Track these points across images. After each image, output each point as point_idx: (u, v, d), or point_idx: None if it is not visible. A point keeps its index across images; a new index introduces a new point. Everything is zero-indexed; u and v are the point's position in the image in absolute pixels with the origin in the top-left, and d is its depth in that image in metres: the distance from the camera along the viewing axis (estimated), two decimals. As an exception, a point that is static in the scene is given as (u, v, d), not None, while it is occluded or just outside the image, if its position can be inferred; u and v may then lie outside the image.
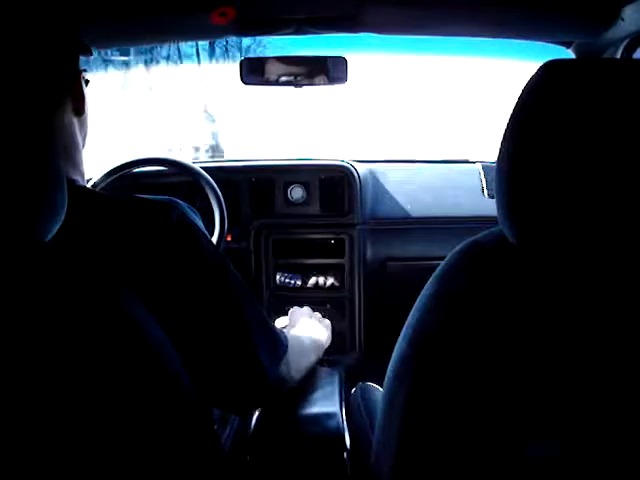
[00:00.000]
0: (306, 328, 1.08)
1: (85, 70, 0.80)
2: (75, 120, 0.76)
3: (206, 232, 0.76)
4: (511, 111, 0.57)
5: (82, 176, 0.78)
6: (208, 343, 0.72)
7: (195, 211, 0.78)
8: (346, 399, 1.03)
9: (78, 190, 0.73)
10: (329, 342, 1.14)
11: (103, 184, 1.35)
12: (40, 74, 0.69)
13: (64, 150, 0.73)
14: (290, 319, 1.15)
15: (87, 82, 0.82)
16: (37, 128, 0.55)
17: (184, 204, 0.75)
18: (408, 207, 1.55)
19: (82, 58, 0.78)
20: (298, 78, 1.19)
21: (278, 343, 0.81)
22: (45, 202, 0.54)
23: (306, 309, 1.21)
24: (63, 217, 0.58)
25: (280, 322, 1.18)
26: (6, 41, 0.66)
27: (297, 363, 0.87)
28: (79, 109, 0.75)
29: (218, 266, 0.74)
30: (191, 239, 0.71)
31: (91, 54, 0.79)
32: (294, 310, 1.19)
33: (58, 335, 0.54)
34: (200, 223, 0.76)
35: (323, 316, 1.22)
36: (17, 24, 0.67)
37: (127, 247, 0.68)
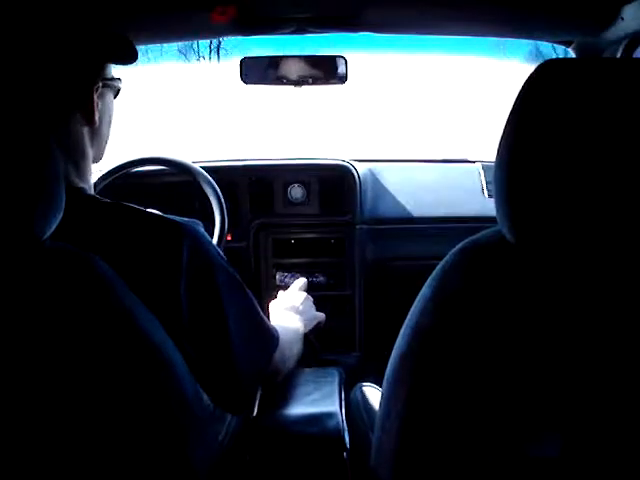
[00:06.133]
0: (287, 318, 1.10)
1: (119, 79, 0.80)
2: (85, 129, 0.76)
3: (219, 251, 0.78)
4: (510, 110, 0.57)
5: (88, 183, 0.78)
6: (193, 349, 0.72)
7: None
8: (346, 399, 1.03)
9: (87, 199, 0.74)
10: (315, 320, 1.17)
11: (103, 184, 1.35)
12: (48, 81, 0.70)
13: (68, 156, 0.73)
14: (271, 313, 1.17)
15: (118, 91, 0.82)
16: (37, 129, 0.55)
17: (201, 228, 0.76)
18: (408, 207, 1.55)
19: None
20: (298, 77, 1.18)
21: (269, 340, 0.86)
22: (42, 199, 0.55)
23: (285, 295, 1.22)
24: (61, 215, 0.58)
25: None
26: (17, 49, 0.67)
27: (290, 350, 0.95)
28: (89, 119, 0.74)
29: (214, 275, 0.75)
30: (197, 263, 0.72)
31: (133, 61, 0.78)
32: (273, 304, 1.19)
33: (55, 331, 0.54)
34: (215, 249, 0.77)
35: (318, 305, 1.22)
36: (25, 38, 0.67)
37: (129, 259, 0.68)
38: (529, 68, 0.56)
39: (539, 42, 1.23)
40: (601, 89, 0.52)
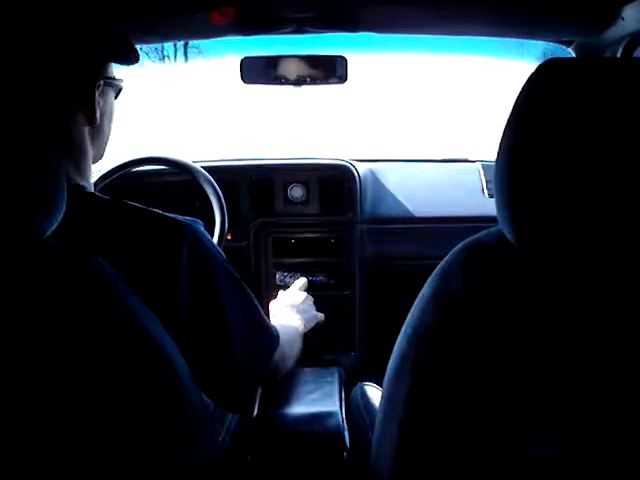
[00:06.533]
0: (287, 317, 1.11)
1: (121, 79, 0.80)
2: (86, 128, 0.76)
3: (219, 249, 0.78)
4: (510, 110, 0.57)
5: (88, 182, 0.78)
6: (193, 348, 0.72)
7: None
8: (346, 398, 1.03)
9: (87, 196, 0.74)
10: (315, 319, 1.18)
11: (103, 183, 1.35)
12: (49, 80, 0.70)
13: (69, 155, 0.73)
14: (271, 313, 1.17)
15: (119, 91, 0.82)
16: (38, 127, 0.55)
17: (201, 227, 0.76)
18: (408, 206, 1.55)
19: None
20: (298, 77, 1.18)
21: (269, 339, 0.86)
22: (43, 197, 0.55)
23: (285, 294, 1.23)
24: (62, 214, 0.58)
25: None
26: (18, 48, 0.67)
27: (290, 350, 0.96)
28: (91, 118, 0.75)
29: (214, 276, 0.75)
30: (197, 262, 0.72)
31: (136, 61, 0.79)
32: (273, 303, 1.21)
33: (55, 329, 0.54)
34: (214, 247, 0.77)
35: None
36: (29, 37, 0.67)
37: (129, 257, 0.68)
38: (530, 67, 0.56)
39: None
40: (601, 89, 0.52)
